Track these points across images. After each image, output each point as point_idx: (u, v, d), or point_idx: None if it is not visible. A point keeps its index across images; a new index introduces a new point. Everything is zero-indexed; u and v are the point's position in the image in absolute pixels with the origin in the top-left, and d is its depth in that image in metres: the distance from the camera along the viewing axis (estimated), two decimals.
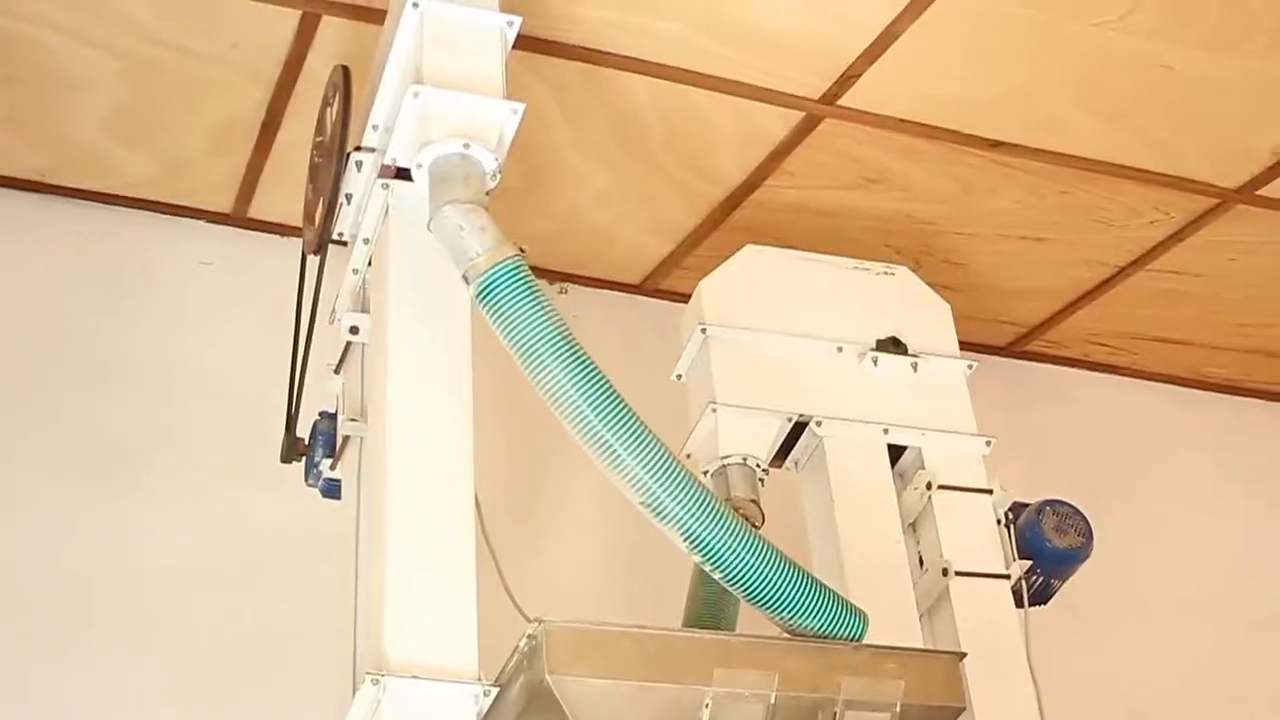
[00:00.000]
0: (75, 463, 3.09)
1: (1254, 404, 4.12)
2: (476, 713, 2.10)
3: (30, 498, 3.04)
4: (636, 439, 2.16)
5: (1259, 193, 3.30)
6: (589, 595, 3.14)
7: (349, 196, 2.51)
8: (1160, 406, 4.04)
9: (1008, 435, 2.95)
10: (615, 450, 2.16)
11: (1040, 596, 2.83)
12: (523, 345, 2.19)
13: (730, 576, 2.21)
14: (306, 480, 2.63)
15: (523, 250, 2.25)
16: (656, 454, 2.17)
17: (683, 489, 2.18)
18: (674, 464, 2.19)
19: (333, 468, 2.58)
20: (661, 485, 2.17)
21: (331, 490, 2.59)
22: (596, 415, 2.16)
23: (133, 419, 3.16)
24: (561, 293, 3.53)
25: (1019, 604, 2.74)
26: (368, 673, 2.08)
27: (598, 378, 2.18)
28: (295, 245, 2.72)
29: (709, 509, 2.19)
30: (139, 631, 3.00)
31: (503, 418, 2.92)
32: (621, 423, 2.17)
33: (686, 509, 2.17)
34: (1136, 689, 3.70)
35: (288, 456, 2.63)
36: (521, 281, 2.21)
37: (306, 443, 2.61)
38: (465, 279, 2.24)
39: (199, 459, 3.16)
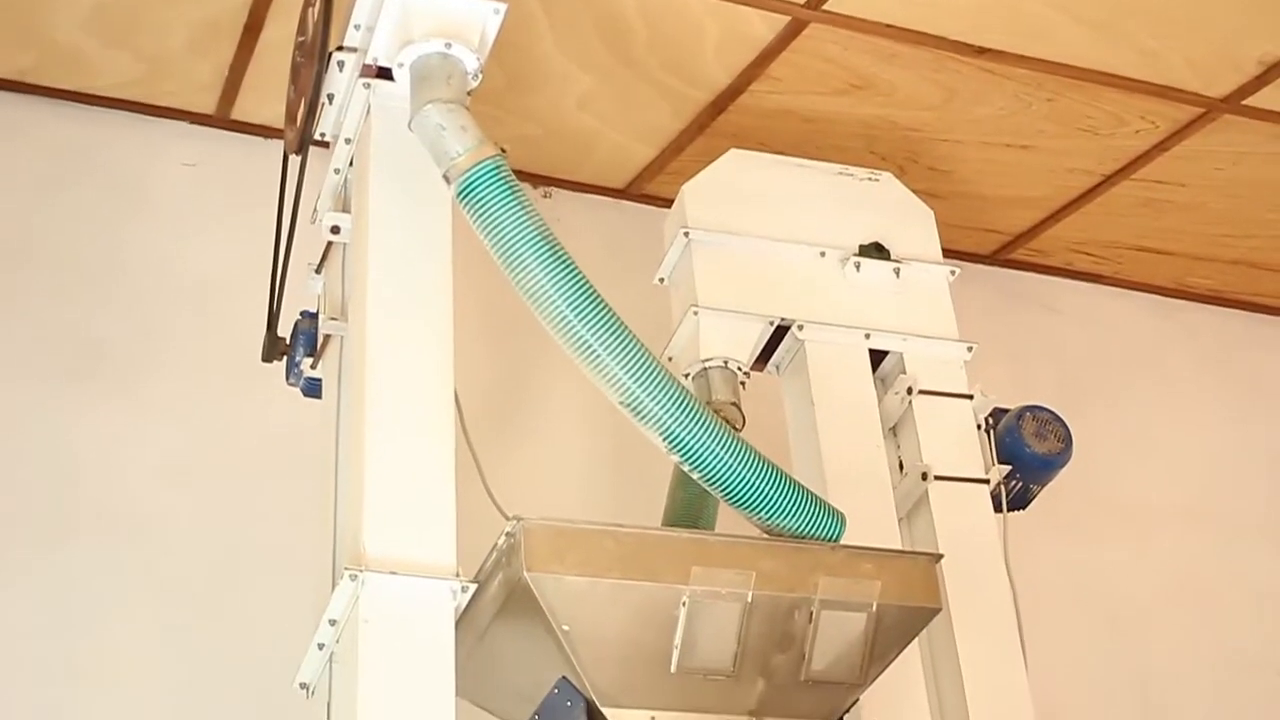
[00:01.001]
0: (57, 363, 3.09)
1: (1236, 315, 4.13)
2: (455, 608, 2.12)
3: (13, 398, 3.04)
4: (616, 339, 2.17)
5: (1245, 102, 3.29)
6: (571, 496, 3.16)
7: (330, 96, 2.50)
8: (1143, 316, 4.05)
9: (991, 343, 2.96)
10: (594, 350, 2.17)
11: (1019, 501, 2.85)
12: (503, 245, 2.19)
13: (709, 476, 2.23)
14: (288, 379, 2.63)
15: (504, 150, 2.25)
16: (635, 354, 2.18)
17: (661, 389, 2.19)
18: (653, 364, 2.20)
19: (314, 367, 2.59)
20: (640, 385, 2.18)
21: (312, 389, 2.59)
22: (576, 315, 2.17)
23: (115, 320, 3.15)
24: (545, 197, 3.53)
25: (998, 509, 2.76)
26: (346, 568, 2.10)
27: (577, 278, 2.19)
28: (278, 146, 2.71)
29: (688, 409, 2.20)
30: (124, 530, 3.01)
31: (484, 318, 2.94)
32: (601, 323, 2.17)
33: (665, 409, 2.19)
34: (1115, 595, 3.72)
35: (269, 356, 2.64)
36: (502, 181, 2.21)
37: (288, 342, 2.62)
38: (446, 178, 2.24)
39: (181, 359, 3.16)
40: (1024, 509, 2.87)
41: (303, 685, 2.27)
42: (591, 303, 2.18)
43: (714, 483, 2.23)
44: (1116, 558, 3.76)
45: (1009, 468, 2.78)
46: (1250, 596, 3.86)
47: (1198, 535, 3.87)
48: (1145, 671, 3.68)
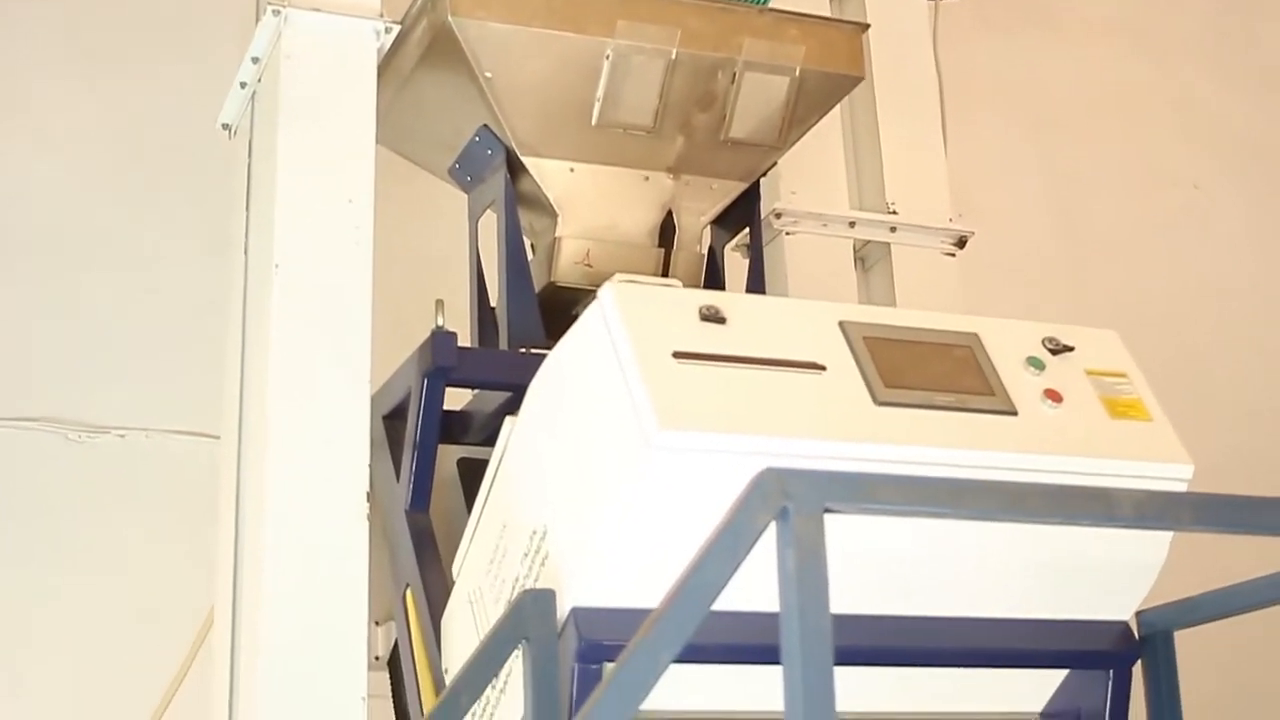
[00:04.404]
0: None
1: None
2: (378, 49, 2.11)
3: None
4: None
5: None
6: None
7: None
8: None
9: None
10: None
11: None
12: None
13: None
14: None
15: None
16: None
17: None
18: None
19: None
20: None
21: None
22: None
23: None
24: None
25: None
26: (269, 3, 2.07)
27: None
28: None
29: None
30: None
31: None
32: None
33: None
34: (1043, 100, 3.73)
35: None
36: None
37: None
38: None
39: None
40: None
41: (225, 126, 2.27)
42: None
43: None
44: (1049, 66, 3.76)
45: None
46: (1177, 112, 3.87)
47: (1131, 50, 3.86)
48: (1064, 176, 3.72)
